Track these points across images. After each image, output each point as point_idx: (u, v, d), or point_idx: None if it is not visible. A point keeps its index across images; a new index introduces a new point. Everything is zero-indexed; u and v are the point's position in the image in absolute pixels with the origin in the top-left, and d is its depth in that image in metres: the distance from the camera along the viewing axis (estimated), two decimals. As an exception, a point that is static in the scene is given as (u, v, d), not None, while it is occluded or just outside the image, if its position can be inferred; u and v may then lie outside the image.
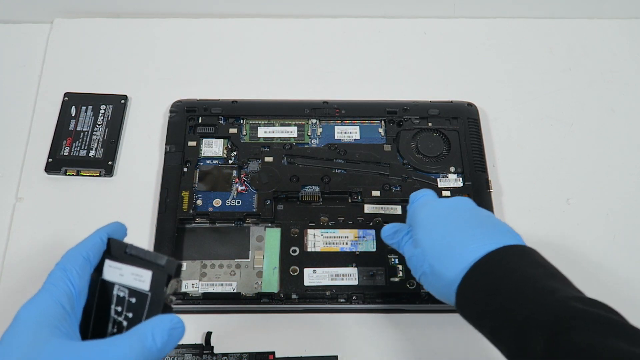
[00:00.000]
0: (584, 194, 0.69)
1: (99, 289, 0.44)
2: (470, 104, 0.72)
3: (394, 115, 0.71)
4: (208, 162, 0.68)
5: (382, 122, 0.71)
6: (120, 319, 0.43)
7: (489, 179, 0.67)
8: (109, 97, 0.73)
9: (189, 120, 0.70)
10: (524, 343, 0.41)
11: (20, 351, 0.37)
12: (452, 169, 0.68)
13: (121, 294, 0.43)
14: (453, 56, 0.78)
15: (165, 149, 0.68)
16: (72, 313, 0.40)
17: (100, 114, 0.71)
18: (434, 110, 0.71)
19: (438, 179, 0.67)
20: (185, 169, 0.67)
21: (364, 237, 0.64)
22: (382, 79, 0.76)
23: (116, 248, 0.44)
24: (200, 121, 0.70)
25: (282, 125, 0.70)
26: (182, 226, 0.64)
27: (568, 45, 0.80)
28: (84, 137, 0.70)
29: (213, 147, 0.69)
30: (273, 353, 0.57)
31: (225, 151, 0.68)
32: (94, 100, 0.72)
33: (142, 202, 0.66)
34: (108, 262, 0.44)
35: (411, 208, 0.54)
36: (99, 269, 0.44)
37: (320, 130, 0.70)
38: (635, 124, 0.74)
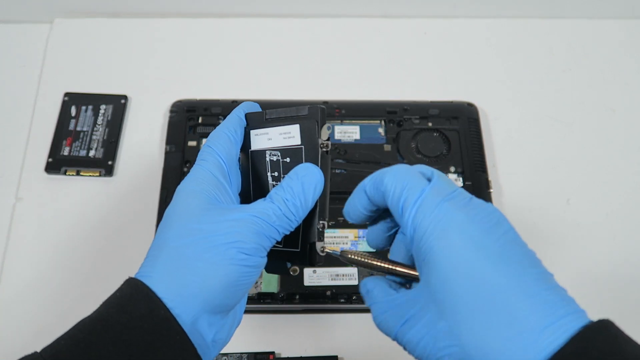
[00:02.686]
0: (584, 194, 0.69)
1: (252, 162, 0.43)
2: (470, 104, 0.72)
3: (394, 115, 0.71)
4: (208, 162, 0.68)
5: (382, 122, 0.71)
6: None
7: (489, 179, 0.67)
8: (109, 97, 0.73)
9: (189, 120, 0.70)
10: None
11: (180, 221, 0.38)
12: (452, 169, 0.68)
13: (274, 158, 0.43)
14: (453, 56, 0.78)
15: (165, 149, 0.68)
16: (224, 181, 0.41)
17: (100, 114, 0.71)
18: (434, 110, 0.71)
19: (438, 179, 0.67)
20: (185, 169, 0.67)
21: (364, 237, 0.64)
22: (382, 79, 0.76)
23: (256, 119, 0.44)
24: (200, 121, 0.70)
25: (282, 125, 0.70)
26: (182, 226, 0.64)
27: (568, 45, 0.80)
28: (84, 137, 0.70)
29: (213, 147, 0.69)
30: (273, 353, 0.57)
31: (225, 151, 0.68)
32: (94, 100, 0.72)
33: (142, 202, 0.66)
34: (253, 132, 0.44)
35: (421, 224, 0.34)
36: (246, 147, 0.44)
37: (320, 130, 0.70)
38: (635, 124, 0.74)
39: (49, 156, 0.68)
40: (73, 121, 0.71)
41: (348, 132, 0.70)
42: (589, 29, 0.81)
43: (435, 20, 0.81)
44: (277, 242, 0.41)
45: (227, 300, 0.38)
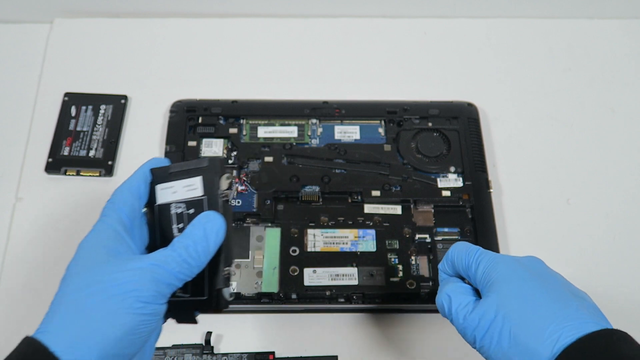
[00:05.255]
0: (584, 194, 0.69)
1: (159, 216, 0.45)
2: (470, 104, 0.72)
3: (394, 115, 0.71)
4: (208, 162, 0.68)
5: (382, 122, 0.71)
6: None
7: (489, 179, 0.67)
8: (109, 97, 0.73)
9: (189, 120, 0.70)
10: None
11: (79, 275, 0.39)
12: (452, 169, 0.68)
13: (179, 210, 0.44)
14: (453, 56, 0.78)
15: (165, 149, 0.68)
16: (126, 235, 0.42)
17: (100, 114, 0.71)
18: (434, 110, 0.71)
19: (438, 179, 0.67)
20: (185, 169, 0.67)
21: (364, 237, 0.64)
22: (382, 79, 0.76)
23: (161, 174, 0.45)
24: (200, 121, 0.70)
25: (282, 125, 0.70)
26: (182, 226, 0.64)
27: (568, 45, 0.80)
28: (84, 137, 0.70)
29: (213, 147, 0.69)
30: (273, 353, 0.57)
31: (225, 151, 0.68)
32: (94, 100, 0.72)
33: (142, 202, 0.66)
34: (158, 187, 0.45)
35: (481, 266, 0.45)
36: (152, 202, 0.45)
37: (320, 130, 0.70)
38: (635, 124, 0.74)
39: (49, 156, 0.68)
40: (73, 121, 0.71)
41: (348, 132, 0.70)
42: (589, 29, 0.81)
43: (435, 20, 0.81)
44: (184, 292, 0.43)
45: (126, 350, 0.38)
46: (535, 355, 0.40)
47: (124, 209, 0.43)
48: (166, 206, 0.44)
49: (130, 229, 0.43)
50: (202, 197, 0.43)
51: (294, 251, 0.63)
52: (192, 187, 0.44)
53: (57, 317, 0.38)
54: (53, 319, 0.38)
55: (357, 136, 0.70)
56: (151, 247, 0.45)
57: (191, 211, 0.44)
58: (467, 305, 0.44)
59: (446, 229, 0.65)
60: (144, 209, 0.46)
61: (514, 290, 0.42)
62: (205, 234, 0.41)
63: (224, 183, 0.43)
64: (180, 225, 0.44)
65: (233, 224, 0.64)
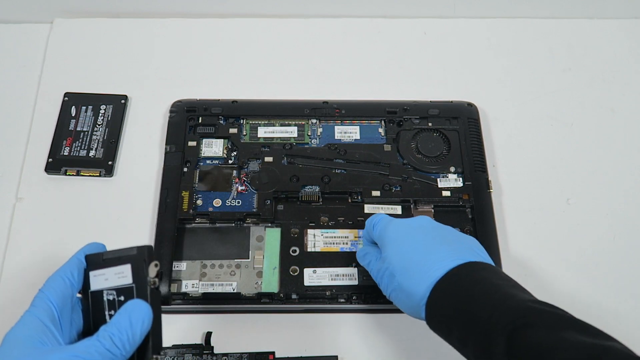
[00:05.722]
0: (584, 194, 0.69)
1: (92, 303, 0.46)
2: (470, 104, 0.72)
3: (394, 115, 0.71)
4: (208, 162, 0.68)
5: (382, 122, 0.71)
6: None
7: (489, 179, 0.67)
8: (109, 97, 0.73)
9: (189, 120, 0.70)
10: (488, 345, 0.43)
11: None
12: (452, 169, 0.68)
13: (110, 297, 0.45)
14: (453, 56, 0.78)
15: (165, 149, 0.68)
16: (52, 326, 0.42)
17: (100, 114, 0.71)
18: (434, 110, 0.71)
19: (438, 179, 0.67)
20: (185, 169, 0.67)
21: (362, 237, 0.64)
22: (382, 79, 0.76)
23: (94, 260, 0.47)
24: (200, 121, 0.70)
25: (282, 125, 0.70)
26: (182, 226, 0.64)
27: (568, 45, 0.80)
28: (84, 137, 0.70)
29: (213, 147, 0.69)
30: (273, 353, 0.57)
31: (225, 151, 0.68)
32: (94, 100, 0.72)
33: (142, 202, 0.67)
34: (92, 274, 0.46)
35: (376, 229, 0.56)
36: (86, 289, 0.46)
37: (320, 130, 0.70)
38: (635, 124, 0.74)
39: (49, 156, 0.68)
40: (73, 121, 0.71)
41: (348, 132, 0.70)
42: (589, 29, 0.81)
43: (435, 20, 0.81)
44: None
45: None
46: (415, 295, 0.49)
47: (53, 297, 0.43)
48: (99, 293, 0.46)
49: (58, 318, 0.43)
50: (131, 285, 0.45)
51: (294, 251, 0.62)
52: (122, 275, 0.45)
53: None
54: None
55: (357, 136, 0.70)
56: (85, 333, 0.45)
57: (121, 298, 0.45)
58: (375, 260, 0.56)
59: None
60: (79, 295, 0.47)
61: (397, 248, 0.52)
62: (130, 322, 0.42)
63: (152, 271, 0.44)
64: (112, 312, 0.45)
65: (233, 224, 0.64)
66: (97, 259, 0.46)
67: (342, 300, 0.60)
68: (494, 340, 0.43)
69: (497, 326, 0.43)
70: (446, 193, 0.66)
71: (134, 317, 0.42)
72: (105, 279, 0.46)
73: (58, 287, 0.44)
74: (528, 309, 0.44)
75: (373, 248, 0.57)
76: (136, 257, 0.45)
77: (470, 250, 0.51)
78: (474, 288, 0.47)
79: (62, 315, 0.43)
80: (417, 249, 0.51)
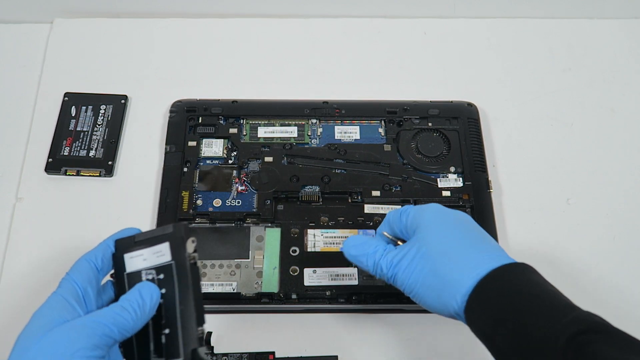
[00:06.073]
0: (584, 194, 0.69)
1: (128, 284, 0.47)
2: (470, 104, 0.72)
3: (394, 115, 0.71)
4: (208, 162, 0.68)
5: (382, 122, 0.71)
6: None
7: (489, 179, 0.67)
8: (109, 97, 0.73)
9: (189, 120, 0.70)
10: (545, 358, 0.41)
11: (21, 342, 0.42)
12: (452, 169, 0.68)
13: (149, 277, 0.46)
14: (453, 56, 0.78)
15: (165, 149, 0.68)
16: (76, 304, 0.44)
17: (100, 114, 0.71)
18: (434, 110, 0.71)
19: (438, 179, 0.67)
20: (185, 169, 0.67)
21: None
22: (382, 79, 0.76)
23: (126, 244, 0.48)
24: (200, 121, 0.70)
25: (282, 125, 0.70)
26: (182, 226, 0.64)
27: (568, 45, 0.80)
28: (84, 137, 0.70)
29: (213, 147, 0.69)
30: (273, 353, 0.57)
31: (225, 151, 0.68)
32: (94, 100, 0.72)
33: (142, 202, 0.67)
34: (127, 257, 0.47)
35: (408, 215, 0.52)
36: (120, 271, 0.47)
37: (320, 130, 0.70)
38: (635, 124, 0.74)
39: (49, 156, 0.68)
40: (73, 121, 0.71)
41: (348, 132, 0.70)
42: (589, 29, 0.81)
43: (435, 20, 0.81)
44: (159, 356, 0.45)
45: None
46: (454, 284, 0.46)
47: (77, 279, 0.46)
48: (137, 274, 0.47)
49: (82, 298, 0.45)
50: (170, 262, 0.46)
51: (294, 251, 0.62)
52: (160, 254, 0.46)
53: None
54: None
55: (357, 136, 0.70)
56: None
57: (161, 276, 0.46)
58: (384, 249, 0.51)
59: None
60: (110, 279, 0.48)
61: (437, 230, 0.49)
62: (140, 294, 0.45)
63: (190, 247, 0.46)
64: None
65: (233, 224, 0.64)
66: (128, 242, 0.48)
67: (342, 300, 0.60)
68: (552, 355, 0.40)
69: (554, 342, 0.41)
70: (446, 193, 0.66)
71: (143, 290, 0.45)
72: (144, 259, 0.47)
73: (83, 269, 0.46)
74: (588, 324, 0.41)
75: (384, 243, 0.53)
76: (174, 235, 0.46)
77: (504, 253, 0.48)
78: (523, 292, 0.44)
79: (86, 295, 0.45)
80: (463, 236, 0.48)
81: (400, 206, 0.65)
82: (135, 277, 0.47)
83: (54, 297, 0.45)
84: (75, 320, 0.43)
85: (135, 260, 0.47)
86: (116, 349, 0.46)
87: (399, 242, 0.53)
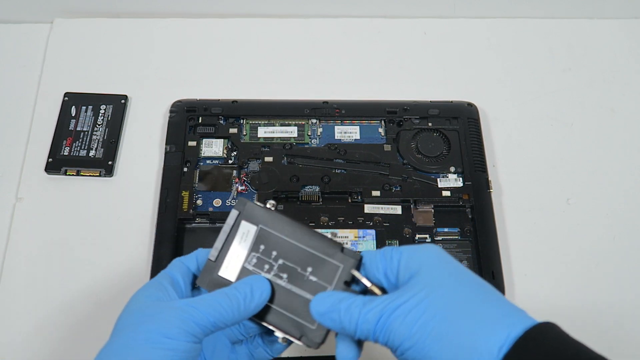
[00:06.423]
0: (584, 194, 0.69)
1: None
2: (470, 104, 0.72)
3: (394, 115, 0.71)
4: (208, 162, 0.68)
5: (382, 122, 0.71)
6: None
7: (489, 179, 0.67)
8: (109, 97, 0.73)
9: (189, 120, 0.70)
10: None
11: (130, 321, 0.42)
12: (452, 169, 0.68)
13: (253, 260, 0.46)
14: (453, 56, 0.78)
15: (165, 149, 0.68)
16: (171, 288, 0.44)
17: (100, 114, 0.71)
18: (434, 110, 0.71)
19: (438, 179, 0.67)
20: (185, 169, 0.67)
21: (364, 237, 0.64)
22: (382, 79, 0.76)
23: (210, 267, 0.47)
24: (200, 121, 0.70)
25: (282, 125, 0.70)
26: (182, 226, 0.64)
27: (568, 45, 0.80)
28: (84, 137, 0.70)
29: (213, 147, 0.69)
30: (273, 353, 0.57)
31: (225, 151, 0.68)
32: (94, 100, 0.72)
33: (142, 202, 0.66)
34: (222, 268, 0.46)
35: (402, 254, 0.43)
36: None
37: (320, 130, 0.70)
38: (635, 124, 0.74)
39: (49, 156, 0.68)
40: (73, 121, 0.71)
41: (348, 132, 0.70)
42: (589, 29, 0.81)
43: (435, 20, 0.81)
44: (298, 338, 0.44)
45: None
46: (484, 342, 0.38)
47: (176, 270, 0.46)
48: (244, 269, 0.46)
49: (177, 284, 0.45)
50: (258, 227, 0.46)
51: (294, 251, 0.62)
52: (245, 235, 0.47)
53: (98, 356, 0.41)
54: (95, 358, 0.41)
55: (357, 136, 0.70)
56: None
57: (262, 247, 0.46)
58: (362, 300, 0.42)
59: (446, 229, 0.65)
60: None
61: (444, 277, 0.41)
62: (251, 287, 0.44)
63: (260, 204, 0.47)
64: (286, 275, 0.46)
65: None
66: (211, 265, 0.47)
67: (342, 300, 0.60)
68: None
69: None
70: (446, 193, 0.66)
71: (254, 284, 0.44)
72: (237, 256, 0.46)
73: (178, 267, 0.47)
74: None
75: (354, 294, 0.43)
76: (241, 210, 0.47)
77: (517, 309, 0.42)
78: (563, 351, 0.38)
79: (184, 284, 0.46)
80: (478, 287, 0.41)
81: (399, 206, 0.65)
82: (245, 271, 0.46)
83: (151, 282, 0.45)
84: (172, 302, 0.42)
85: (233, 264, 0.46)
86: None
87: (375, 290, 0.43)
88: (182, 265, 0.47)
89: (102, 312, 0.60)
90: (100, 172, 0.68)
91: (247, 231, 0.46)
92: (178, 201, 0.64)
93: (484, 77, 0.77)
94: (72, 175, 0.68)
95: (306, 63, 0.77)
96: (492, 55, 0.79)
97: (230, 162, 0.68)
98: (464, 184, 0.67)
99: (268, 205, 0.47)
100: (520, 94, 0.76)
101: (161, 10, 0.81)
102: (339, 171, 0.67)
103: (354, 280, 0.45)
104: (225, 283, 0.45)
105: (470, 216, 0.65)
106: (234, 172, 0.67)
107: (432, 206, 0.66)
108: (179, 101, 0.71)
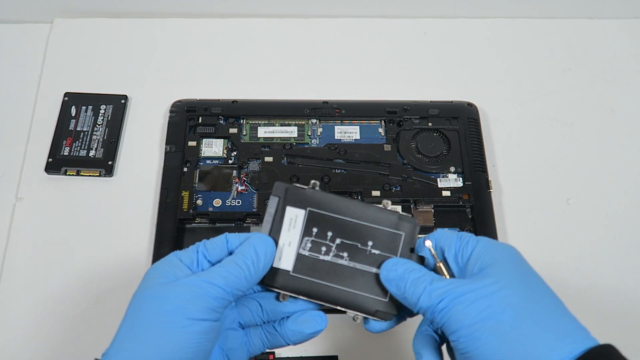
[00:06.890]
0: (584, 194, 0.69)
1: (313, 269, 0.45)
2: (470, 104, 0.72)
3: (394, 115, 0.71)
4: (208, 162, 0.68)
5: (382, 122, 0.71)
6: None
7: (489, 179, 0.67)
8: (109, 97, 0.73)
9: (189, 120, 0.70)
10: None
11: (136, 298, 0.41)
12: (452, 169, 0.68)
13: (308, 244, 0.45)
14: (453, 56, 0.78)
15: (165, 149, 0.68)
16: (182, 265, 0.42)
17: (100, 114, 0.71)
18: (434, 110, 0.71)
19: (438, 179, 0.67)
20: (185, 169, 0.67)
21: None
22: (382, 79, 0.76)
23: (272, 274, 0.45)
24: (200, 121, 0.70)
25: (282, 125, 0.70)
26: (182, 226, 0.64)
27: (568, 45, 0.80)
28: (84, 137, 0.70)
29: (213, 147, 0.69)
30: (273, 353, 0.57)
31: (225, 151, 0.68)
32: (94, 100, 0.72)
33: (142, 202, 0.67)
34: (277, 261, 0.44)
35: (484, 242, 0.43)
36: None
37: (320, 130, 0.70)
38: (635, 124, 0.74)
39: (49, 156, 0.68)
40: (73, 121, 0.71)
41: (348, 132, 0.70)
42: (589, 29, 0.81)
43: (435, 20, 0.81)
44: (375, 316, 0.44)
45: None
46: (547, 352, 0.37)
47: (202, 250, 0.44)
48: (303, 256, 0.45)
49: (194, 261, 0.43)
50: (305, 210, 0.45)
51: (294, 251, 0.62)
52: (294, 220, 0.45)
53: (116, 339, 0.40)
54: (112, 342, 0.40)
55: (357, 136, 0.70)
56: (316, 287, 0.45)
57: (315, 230, 0.45)
58: (431, 278, 0.42)
59: (446, 229, 0.64)
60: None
61: (521, 279, 0.40)
62: (255, 249, 0.42)
63: (300, 186, 0.45)
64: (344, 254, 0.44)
65: (233, 224, 0.64)
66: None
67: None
68: None
69: None
70: (446, 193, 0.66)
71: (257, 245, 0.43)
72: (289, 243, 0.45)
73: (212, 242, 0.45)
74: None
75: (427, 270, 0.44)
76: (282, 195, 0.45)
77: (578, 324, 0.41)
78: None
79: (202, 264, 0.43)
80: (551, 298, 0.41)
81: (399, 206, 0.65)
82: (302, 258, 0.44)
83: (169, 257, 0.43)
84: (183, 279, 0.41)
85: (286, 253, 0.44)
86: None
87: (443, 269, 0.44)
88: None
89: (102, 312, 0.60)
90: (100, 172, 0.68)
91: (294, 216, 0.44)
92: (178, 201, 0.64)
93: (484, 77, 0.77)
94: (72, 175, 0.68)
95: (306, 63, 0.77)
96: (492, 55, 0.79)
97: (230, 162, 0.68)
98: (464, 184, 0.67)
99: (311, 186, 0.45)
100: (520, 94, 0.76)
101: (161, 10, 0.81)
102: (339, 171, 0.67)
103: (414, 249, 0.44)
104: (285, 274, 0.44)
105: (470, 216, 0.65)
106: (234, 172, 0.67)
107: (432, 206, 0.66)
108: (179, 101, 0.71)
